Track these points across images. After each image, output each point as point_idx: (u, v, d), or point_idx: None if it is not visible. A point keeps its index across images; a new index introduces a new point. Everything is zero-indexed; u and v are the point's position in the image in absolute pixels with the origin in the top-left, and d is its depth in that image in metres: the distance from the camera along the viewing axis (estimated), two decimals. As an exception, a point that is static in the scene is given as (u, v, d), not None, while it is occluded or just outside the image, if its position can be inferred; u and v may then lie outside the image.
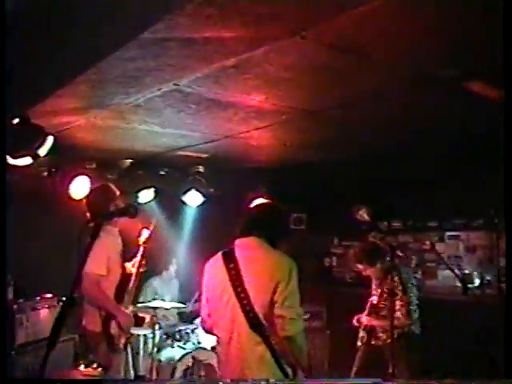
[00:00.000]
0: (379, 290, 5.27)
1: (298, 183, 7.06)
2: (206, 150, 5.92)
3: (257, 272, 2.93)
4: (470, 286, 6.14)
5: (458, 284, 6.03)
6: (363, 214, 6.82)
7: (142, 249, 4.94)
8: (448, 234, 7.02)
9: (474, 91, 3.60)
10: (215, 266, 3.11)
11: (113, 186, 4.86)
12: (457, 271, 6.26)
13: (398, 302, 5.04)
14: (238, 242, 3.09)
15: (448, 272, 6.58)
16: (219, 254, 3.14)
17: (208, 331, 3.27)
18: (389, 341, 4.79)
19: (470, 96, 3.73)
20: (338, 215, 7.10)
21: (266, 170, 6.90)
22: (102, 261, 4.33)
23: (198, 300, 4.51)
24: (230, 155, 6.24)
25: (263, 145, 5.61)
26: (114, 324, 4.44)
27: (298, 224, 8.18)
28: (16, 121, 3.46)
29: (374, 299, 5.31)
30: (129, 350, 4.92)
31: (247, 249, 3.05)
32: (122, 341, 4.55)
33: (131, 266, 4.87)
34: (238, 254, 3.03)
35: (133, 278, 4.79)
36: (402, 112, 4.38)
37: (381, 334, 5.24)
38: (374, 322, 5.25)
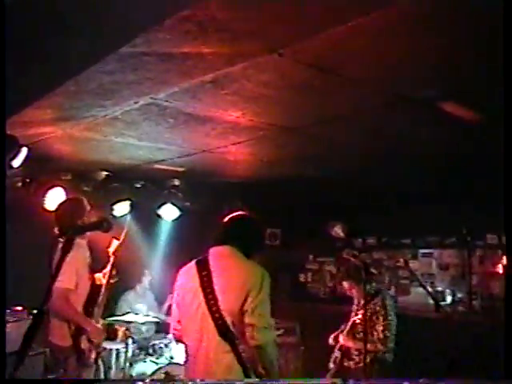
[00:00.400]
0: (361, 312, 5.22)
1: (274, 198, 7.08)
2: (182, 163, 5.92)
3: (228, 280, 2.94)
4: (442, 303, 6.20)
5: (431, 301, 6.08)
6: (338, 231, 6.87)
7: (112, 259, 4.86)
8: (421, 251, 7.09)
9: (449, 112, 3.66)
10: (188, 273, 3.12)
11: (83, 200, 4.74)
12: (429, 288, 6.32)
13: (377, 327, 5.03)
14: (212, 250, 3.11)
15: (421, 289, 6.64)
16: (193, 261, 3.14)
17: (177, 339, 3.26)
18: (361, 364, 4.80)
19: (446, 117, 3.80)
20: (313, 231, 7.14)
21: (243, 184, 6.91)
22: (71, 275, 4.24)
23: (169, 313, 4.46)
24: (206, 169, 6.25)
25: (240, 160, 5.62)
26: (83, 338, 4.38)
27: (272, 239, 8.20)
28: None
29: (355, 320, 5.28)
30: (100, 363, 4.86)
31: (220, 257, 3.07)
32: (93, 355, 4.49)
33: (102, 277, 4.80)
34: (211, 262, 3.04)
35: (103, 289, 4.71)
36: (378, 130, 4.43)
37: (355, 357, 5.22)
38: (351, 344, 5.22)
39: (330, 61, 3.01)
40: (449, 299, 6.74)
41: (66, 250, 2.03)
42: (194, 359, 2.99)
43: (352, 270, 5.31)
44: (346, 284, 5.38)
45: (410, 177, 5.99)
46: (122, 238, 4.93)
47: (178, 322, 3.17)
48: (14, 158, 3.82)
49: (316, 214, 6.89)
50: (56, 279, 2.06)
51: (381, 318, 5.05)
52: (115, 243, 4.88)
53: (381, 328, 5.03)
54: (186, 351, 3.12)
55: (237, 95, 3.54)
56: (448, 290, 6.79)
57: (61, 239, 2.17)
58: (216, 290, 2.90)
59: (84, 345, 4.37)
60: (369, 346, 4.77)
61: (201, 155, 5.43)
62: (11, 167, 3.91)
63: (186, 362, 3.14)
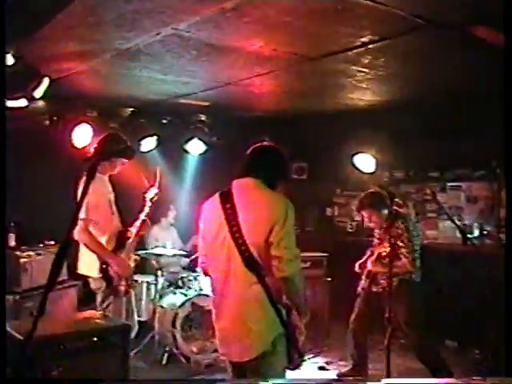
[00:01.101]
0: (385, 237, 5.27)
1: (301, 132, 7.02)
2: (207, 97, 5.88)
3: (253, 212, 2.91)
4: (469, 236, 6.16)
5: (458, 234, 6.06)
6: (365, 164, 6.80)
7: (147, 204, 4.92)
8: (450, 184, 7.01)
9: (477, 36, 3.52)
10: (212, 206, 3.09)
11: (122, 135, 4.81)
12: (457, 221, 6.28)
13: (403, 250, 5.07)
14: (235, 183, 3.06)
15: (448, 222, 6.60)
16: (216, 194, 3.10)
17: (205, 272, 3.25)
18: (390, 287, 4.85)
19: (473, 44, 3.66)
20: (340, 165, 7.07)
21: (268, 118, 6.86)
22: (88, 206, 4.29)
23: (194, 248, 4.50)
24: (231, 103, 6.21)
25: (264, 92, 5.56)
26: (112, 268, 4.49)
27: (299, 173, 8.17)
28: (10, 61, 3.39)
29: (380, 247, 5.32)
30: (132, 295, 4.97)
31: (244, 189, 3.02)
32: (123, 284, 4.60)
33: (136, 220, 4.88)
34: (235, 194, 3.00)
35: (135, 229, 4.80)
36: (405, 59, 4.31)
37: (382, 281, 5.29)
38: (379, 268, 5.29)
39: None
40: (476, 232, 6.70)
41: (91, 175, 2.01)
42: (222, 291, 3.00)
43: (373, 199, 5.32)
44: (365, 213, 5.40)
45: (438, 109, 5.86)
46: (156, 184, 4.95)
47: (205, 255, 3.18)
48: (35, 88, 3.77)
49: (343, 147, 6.80)
50: (80, 209, 2.06)
51: (405, 240, 5.10)
52: (153, 191, 4.92)
53: (406, 249, 5.08)
54: (213, 283, 3.13)
55: (259, 23, 3.45)
56: (476, 224, 6.74)
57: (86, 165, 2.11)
58: (240, 222, 2.88)
59: (113, 274, 4.48)
60: (396, 269, 4.85)
61: (225, 88, 5.38)
62: (33, 98, 3.87)
63: (213, 294, 3.15)
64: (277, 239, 2.80)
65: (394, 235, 4.99)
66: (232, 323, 2.95)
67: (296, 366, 2.97)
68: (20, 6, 2.68)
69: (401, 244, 5.06)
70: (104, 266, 4.42)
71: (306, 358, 3.11)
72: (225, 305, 2.99)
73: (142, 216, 4.85)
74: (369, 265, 5.40)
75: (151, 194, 4.90)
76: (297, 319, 2.98)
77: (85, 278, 4.60)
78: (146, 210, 4.88)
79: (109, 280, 4.46)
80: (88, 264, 4.52)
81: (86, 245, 4.40)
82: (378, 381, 4.86)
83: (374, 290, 5.38)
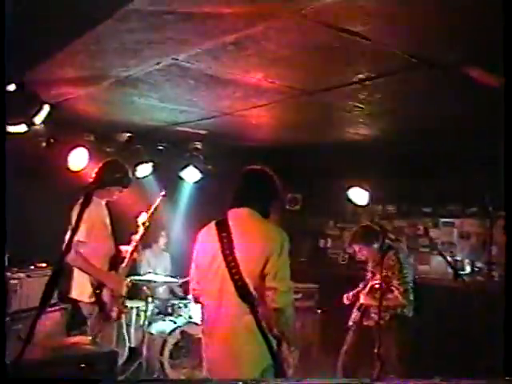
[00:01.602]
0: (377, 270, 5.29)
1: (295, 163, 7.07)
2: (204, 126, 5.93)
3: (248, 243, 2.92)
4: (461, 272, 6.18)
5: (450, 270, 6.07)
6: (358, 197, 6.85)
7: (141, 229, 4.93)
8: (442, 220, 7.05)
9: (473, 77, 3.59)
10: (208, 234, 3.10)
11: (123, 163, 4.85)
12: (449, 258, 6.30)
13: (394, 282, 5.09)
14: (230, 212, 3.08)
15: (441, 258, 6.63)
16: (212, 223, 3.13)
17: (196, 299, 3.26)
18: (381, 321, 4.86)
19: (469, 83, 3.73)
20: (334, 197, 7.13)
21: (264, 148, 6.90)
22: (84, 228, 4.29)
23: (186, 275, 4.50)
24: (228, 133, 6.25)
25: (261, 123, 5.61)
26: (105, 292, 4.48)
27: (293, 204, 8.20)
28: (12, 87, 3.44)
29: (373, 280, 5.34)
30: (123, 321, 4.95)
31: (240, 220, 3.03)
32: (115, 309, 4.59)
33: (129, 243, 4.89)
34: (231, 223, 3.01)
35: (128, 254, 4.81)
36: (399, 97, 4.38)
37: (373, 315, 5.29)
38: (371, 302, 5.29)
39: (353, 23, 2.95)
40: (468, 269, 6.72)
41: (85, 203, 2.05)
42: (213, 320, 3.00)
43: (365, 233, 5.35)
44: (356, 247, 5.43)
45: (433, 144, 5.92)
46: (151, 211, 4.97)
47: (197, 282, 3.18)
48: (35, 114, 3.82)
49: (337, 180, 6.86)
50: (75, 233, 2.08)
51: (396, 272, 5.12)
52: (144, 216, 4.94)
53: (398, 282, 5.09)
54: (204, 312, 3.12)
55: (258, 57, 3.50)
56: (467, 260, 6.77)
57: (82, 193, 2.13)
58: (236, 252, 2.89)
59: (106, 298, 4.47)
60: (387, 302, 4.86)
61: (223, 118, 5.43)
62: (33, 124, 3.92)
63: (203, 322, 3.15)
64: (273, 271, 2.82)
65: (385, 267, 5.02)
66: (221, 353, 2.94)
67: None
68: (23, 42, 2.73)
69: (392, 276, 5.08)
70: (98, 291, 4.42)
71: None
72: (215, 334, 2.98)
73: (134, 240, 4.86)
74: (361, 298, 5.41)
75: (143, 218, 4.92)
76: (286, 351, 2.99)
77: (76, 303, 4.59)
78: (138, 234, 4.89)
79: (102, 305, 4.44)
80: (80, 288, 4.51)
81: (79, 267, 4.40)
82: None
83: (365, 323, 5.37)
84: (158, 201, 5.00)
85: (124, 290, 4.76)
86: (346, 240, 5.82)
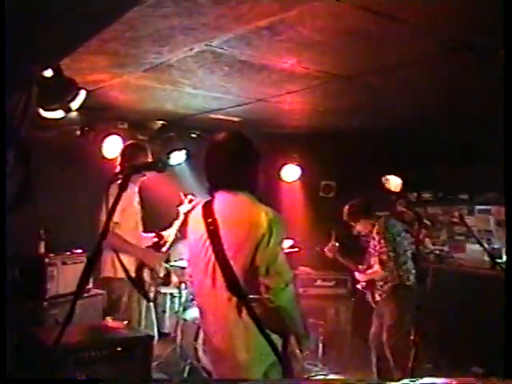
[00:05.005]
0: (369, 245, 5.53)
1: (329, 150, 7.02)
2: (237, 113, 5.92)
3: (233, 231, 2.53)
4: (498, 260, 6.07)
5: (486, 258, 5.97)
6: (392, 184, 6.77)
7: (181, 217, 5.00)
8: (478, 207, 6.93)
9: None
10: (195, 219, 2.73)
11: (146, 145, 5.02)
12: (486, 245, 6.20)
13: (386, 250, 5.21)
14: (217, 194, 2.67)
15: (477, 246, 6.52)
16: (200, 205, 2.74)
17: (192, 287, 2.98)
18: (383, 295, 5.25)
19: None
20: (368, 184, 7.06)
21: (298, 135, 6.88)
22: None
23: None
24: (261, 120, 6.24)
25: (295, 109, 5.58)
26: (145, 271, 4.57)
27: (327, 191, 8.15)
28: (49, 73, 3.46)
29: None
30: (152, 305, 5.04)
31: (224, 202, 2.63)
32: (153, 289, 4.67)
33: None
34: (216, 206, 2.62)
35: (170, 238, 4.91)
36: (437, 81, 4.30)
37: (379, 289, 5.40)
38: (371, 277, 5.44)
39: (388, 6, 2.91)
40: (505, 257, 6.60)
41: (123, 186, 2.05)
42: (206, 314, 2.70)
43: (350, 209, 5.56)
44: (352, 223, 5.61)
45: (471, 131, 5.82)
46: (193, 203, 5.01)
47: (190, 276, 2.97)
48: (72, 100, 3.84)
49: (372, 167, 6.78)
50: (112, 216, 2.09)
51: (382, 242, 5.25)
52: (187, 205, 4.99)
53: (382, 255, 5.23)
54: (198, 303, 2.81)
55: (292, 42, 3.47)
56: (505, 248, 6.64)
57: (118, 180, 2.13)
58: (223, 242, 2.51)
59: (145, 277, 4.55)
60: (374, 275, 5.22)
61: (256, 105, 5.41)
62: (70, 110, 3.95)
63: (200, 315, 2.82)
64: (264, 265, 2.47)
65: (377, 238, 5.24)
66: (219, 353, 2.64)
67: None
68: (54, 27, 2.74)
69: (385, 244, 5.21)
70: (137, 266, 4.51)
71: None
72: (210, 331, 2.68)
73: (175, 227, 4.93)
74: (360, 277, 5.57)
75: (185, 208, 4.96)
76: (294, 347, 2.66)
77: (107, 280, 4.67)
78: (179, 221, 4.95)
79: (140, 284, 4.51)
80: (113, 267, 4.59)
81: (117, 248, 4.48)
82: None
83: (377, 299, 5.41)
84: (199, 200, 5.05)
85: (162, 271, 4.82)
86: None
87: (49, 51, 2.98)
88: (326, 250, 5.91)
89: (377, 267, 5.24)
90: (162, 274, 4.89)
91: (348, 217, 5.61)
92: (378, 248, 5.27)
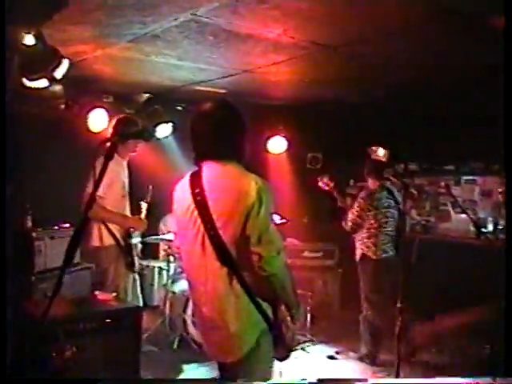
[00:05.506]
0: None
1: (315, 121, 7.01)
2: (223, 85, 5.87)
3: (221, 200, 2.51)
4: (483, 230, 6.14)
5: (472, 228, 6.03)
6: (379, 155, 6.78)
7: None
8: (464, 177, 6.99)
9: (498, 27, 3.47)
10: (182, 190, 2.69)
11: (138, 120, 5.11)
12: (471, 215, 6.26)
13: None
14: (204, 163, 2.64)
15: (462, 215, 6.59)
16: (188, 175, 2.69)
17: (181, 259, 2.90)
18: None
19: (495, 34, 3.62)
20: (354, 155, 7.07)
21: (284, 106, 6.85)
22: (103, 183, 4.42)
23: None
24: (248, 91, 6.19)
25: (281, 80, 5.55)
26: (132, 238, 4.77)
27: (313, 163, 8.15)
28: (30, 41, 3.38)
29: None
30: (137, 277, 5.17)
31: (211, 171, 2.60)
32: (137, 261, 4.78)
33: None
34: (204, 176, 2.59)
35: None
36: (422, 50, 4.28)
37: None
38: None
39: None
40: (490, 227, 6.67)
41: (110, 154, 2.02)
42: (196, 285, 2.68)
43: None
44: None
45: (455, 100, 5.82)
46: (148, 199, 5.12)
47: (177, 248, 2.94)
48: (55, 68, 3.76)
49: (358, 138, 6.78)
50: (98, 186, 2.07)
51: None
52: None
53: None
54: (187, 275, 2.80)
55: (278, 10, 3.42)
56: (490, 218, 6.71)
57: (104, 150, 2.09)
58: (212, 213, 2.49)
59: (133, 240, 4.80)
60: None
61: (242, 76, 5.37)
62: (54, 79, 3.87)
63: (189, 286, 2.82)
64: (256, 234, 2.45)
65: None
66: (210, 323, 2.63)
67: (283, 358, 2.74)
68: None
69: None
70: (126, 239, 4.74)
71: (293, 350, 2.76)
72: (201, 301, 2.66)
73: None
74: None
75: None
76: (285, 314, 2.66)
77: (95, 249, 4.75)
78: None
79: (128, 251, 4.70)
80: (99, 235, 4.72)
81: (103, 219, 4.60)
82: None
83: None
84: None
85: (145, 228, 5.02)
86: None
87: (29, 14, 2.91)
88: (320, 182, 5.98)
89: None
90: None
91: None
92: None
